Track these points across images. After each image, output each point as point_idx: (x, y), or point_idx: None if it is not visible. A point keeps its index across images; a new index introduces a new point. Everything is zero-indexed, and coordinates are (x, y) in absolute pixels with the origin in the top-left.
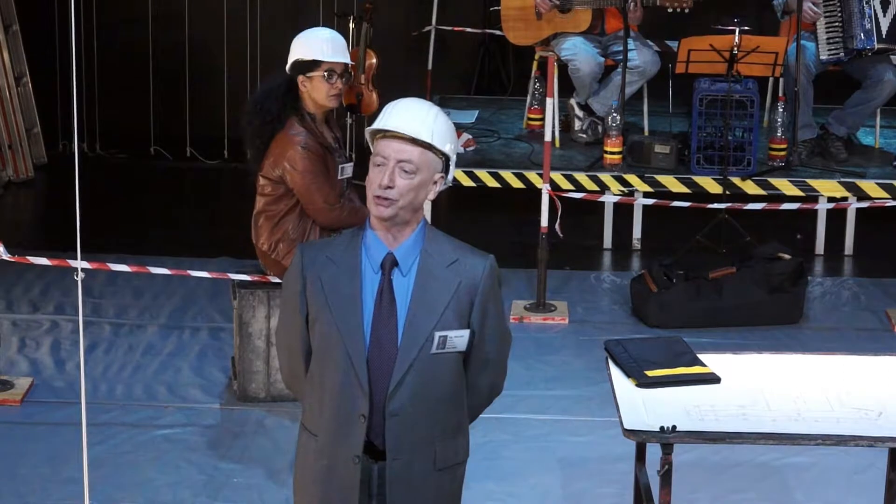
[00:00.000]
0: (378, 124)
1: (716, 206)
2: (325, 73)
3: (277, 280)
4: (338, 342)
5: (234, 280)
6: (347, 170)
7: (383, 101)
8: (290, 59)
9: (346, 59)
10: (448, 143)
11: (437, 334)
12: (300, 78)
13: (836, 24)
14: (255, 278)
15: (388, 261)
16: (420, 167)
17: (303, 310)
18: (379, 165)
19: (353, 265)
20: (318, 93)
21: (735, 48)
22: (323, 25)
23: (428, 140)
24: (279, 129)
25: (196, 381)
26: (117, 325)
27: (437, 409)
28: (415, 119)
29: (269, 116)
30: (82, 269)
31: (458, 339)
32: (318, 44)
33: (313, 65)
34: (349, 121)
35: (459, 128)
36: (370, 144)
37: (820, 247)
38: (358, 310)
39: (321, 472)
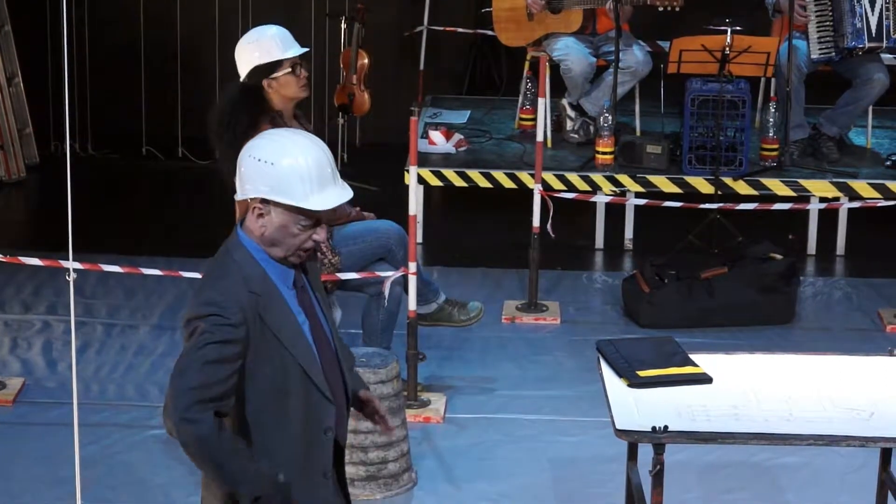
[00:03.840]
0: (326, 202)
1: (707, 206)
2: (291, 69)
3: None
4: (295, 370)
5: None
6: None
7: (375, 101)
8: (246, 68)
9: (301, 49)
10: None
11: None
12: (265, 81)
13: (828, 23)
14: None
15: (298, 274)
16: None
17: (241, 356)
18: (306, 226)
19: (273, 290)
20: (288, 89)
21: (727, 48)
22: (314, 26)
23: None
24: (252, 135)
25: None
26: (109, 326)
27: None
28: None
29: (241, 127)
30: (74, 270)
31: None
32: (270, 44)
33: (275, 65)
34: (341, 121)
35: (451, 128)
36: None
37: (812, 247)
38: (301, 331)
39: None
